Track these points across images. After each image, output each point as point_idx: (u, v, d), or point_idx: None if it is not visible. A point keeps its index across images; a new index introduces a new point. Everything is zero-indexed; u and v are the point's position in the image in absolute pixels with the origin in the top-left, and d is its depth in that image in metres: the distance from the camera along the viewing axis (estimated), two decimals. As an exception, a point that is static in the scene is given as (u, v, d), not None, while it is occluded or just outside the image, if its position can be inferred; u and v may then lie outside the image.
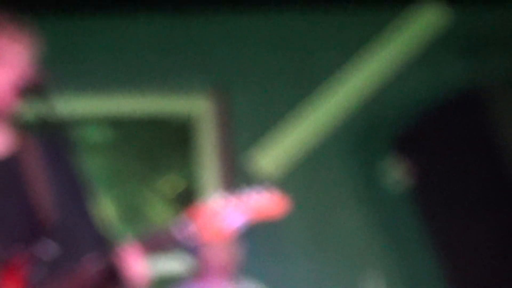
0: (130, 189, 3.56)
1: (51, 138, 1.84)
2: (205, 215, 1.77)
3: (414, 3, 3.44)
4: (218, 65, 3.55)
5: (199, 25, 3.52)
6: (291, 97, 3.56)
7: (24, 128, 1.84)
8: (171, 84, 3.51)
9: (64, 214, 1.82)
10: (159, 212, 3.39)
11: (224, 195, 1.84)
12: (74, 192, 1.88)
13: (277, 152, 3.54)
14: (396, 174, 3.45)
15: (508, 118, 3.32)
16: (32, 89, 1.71)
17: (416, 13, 3.47)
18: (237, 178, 3.51)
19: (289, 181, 3.37)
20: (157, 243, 1.84)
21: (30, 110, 1.70)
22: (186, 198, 3.55)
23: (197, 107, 3.61)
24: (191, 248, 2.91)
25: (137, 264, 1.74)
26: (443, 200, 3.46)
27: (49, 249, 1.74)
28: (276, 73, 3.58)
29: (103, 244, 1.81)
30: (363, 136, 3.62)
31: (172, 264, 3.17)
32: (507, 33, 3.43)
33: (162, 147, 3.77)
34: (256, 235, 2.80)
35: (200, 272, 3.06)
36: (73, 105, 2.76)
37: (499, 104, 3.32)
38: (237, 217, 1.79)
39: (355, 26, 3.45)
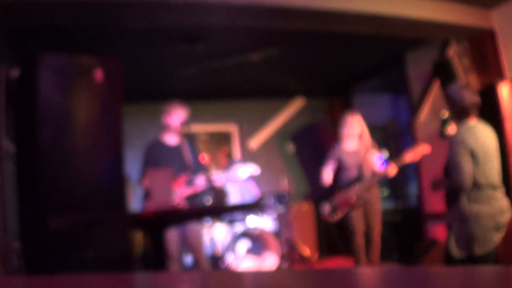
0: (212, 155, 6.61)
1: (189, 138, 4.18)
2: (236, 170, 3.99)
3: (294, 97, 7.46)
4: (238, 116, 7.35)
5: (233, 104, 7.48)
6: (261, 125, 7.37)
7: (182, 135, 4.17)
8: (223, 121, 7.29)
9: (192, 164, 4.05)
10: (222, 161, 8.01)
11: (242, 163, 5.10)
12: (195, 156, 4.13)
13: (256, 141, 7.22)
14: (291, 149, 7.32)
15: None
16: (185, 123, 4.07)
17: (295, 101, 7.51)
18: (245, 152, 7.38)
19: (260, 149, 7.35)
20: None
21: (185, 130, 4.14)
22: (230, 159, 6.44)
23: (232, 129, 7.36)
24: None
25: (221, 181, 3.98)
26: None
27: (191, 174, 3.99)
28: (253, 120, 7.32)
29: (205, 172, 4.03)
30: (282, 137, 7.39)
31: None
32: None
33: (221, 143, 7.28)
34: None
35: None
36: (193, 128, 4.21)
37: (321, 128, 8.05)
38: (248, 171, 4.01)
39: (280, 106, 7.65)
